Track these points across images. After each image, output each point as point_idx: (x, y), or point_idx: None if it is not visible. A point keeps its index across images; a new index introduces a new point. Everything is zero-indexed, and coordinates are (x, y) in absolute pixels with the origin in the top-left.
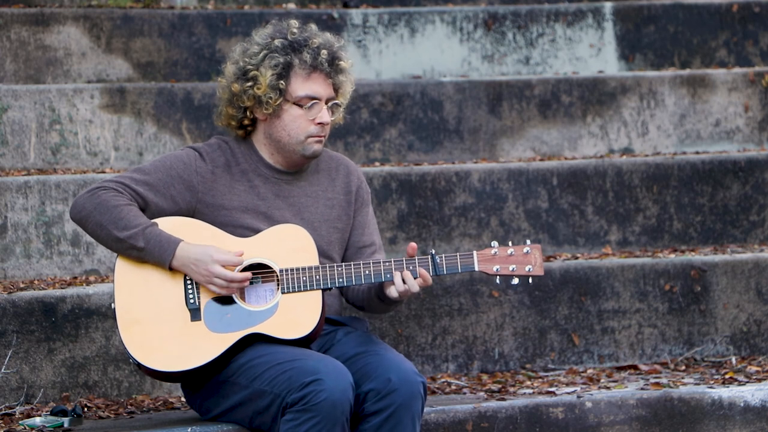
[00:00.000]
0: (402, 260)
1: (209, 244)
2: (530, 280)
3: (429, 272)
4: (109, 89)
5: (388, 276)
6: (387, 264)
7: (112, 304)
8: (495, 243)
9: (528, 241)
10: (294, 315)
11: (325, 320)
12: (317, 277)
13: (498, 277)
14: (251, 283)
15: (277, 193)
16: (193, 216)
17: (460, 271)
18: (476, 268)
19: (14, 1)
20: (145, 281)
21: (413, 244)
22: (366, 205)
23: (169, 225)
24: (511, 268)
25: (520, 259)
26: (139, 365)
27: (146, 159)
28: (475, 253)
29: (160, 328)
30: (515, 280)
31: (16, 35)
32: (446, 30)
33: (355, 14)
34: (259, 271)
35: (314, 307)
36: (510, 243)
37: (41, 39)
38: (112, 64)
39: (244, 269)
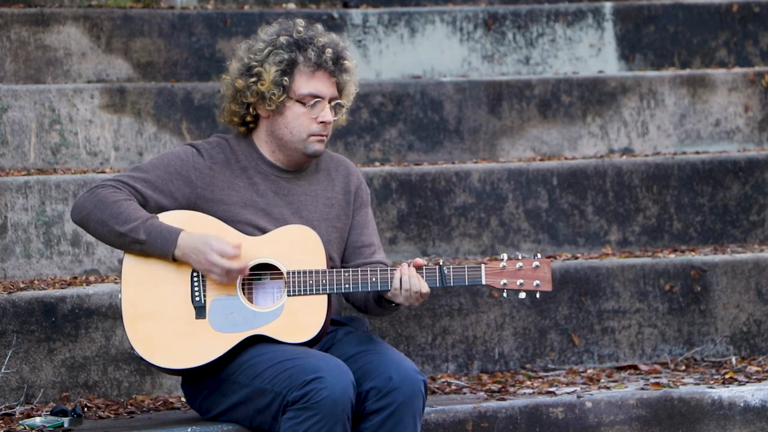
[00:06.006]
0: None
1: (209, 233)
2: (537, 295)
3: (436, 282)
4: (109, 89)
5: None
6: (394, 271)
7: (119, 295)
8: (504, 255)
9: (539, 255)
10: (298, 318)
11: None
12: (324, 281)
13: (505, 291)
14: (260, 279)
15: (276, 191)
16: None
17: (467, 284)
18: (483, 282)
19: (14, 1)
20: (152, 276)
21: (419, 261)
22: (365, 205)
23: (176, 219)
24: (519, 283)
25: (529, 273)
26: (142, 360)
27: (146, 159)
28: (483, 266)
29: (165, 324)
30: (522, 295)
31: (16, 35)
32: (446, 30)
33: (355, 14)
34: (267, 271)
35: (319, 311)
36: (519, 255)
37: (41, 39)
38: (112, 64)
39: (252, 269)
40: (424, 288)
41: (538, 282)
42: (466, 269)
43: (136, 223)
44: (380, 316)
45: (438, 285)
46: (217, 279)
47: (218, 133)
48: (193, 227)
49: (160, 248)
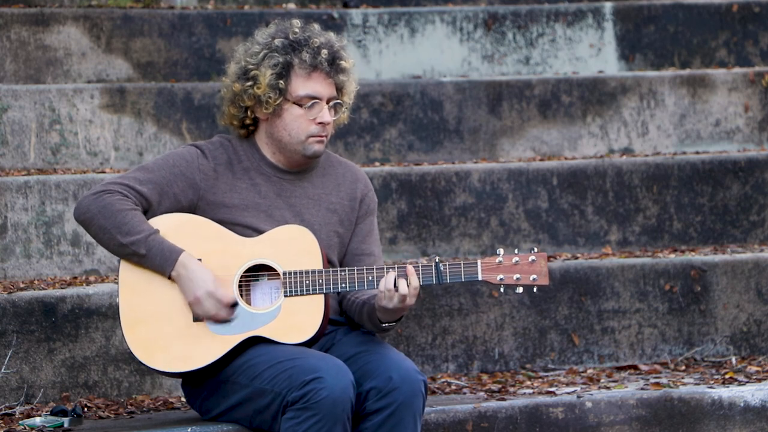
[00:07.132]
0: (405, 265)
1: (212, 275)
2: (534, 290)
3: (432, 279)
4: (109, 89)
5: None
6: (390, 270)
7: (117, 299)
8: (500, 250)
9: (534, 249)
10: (296, 319)
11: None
12: (320, 281)
13: (502, 286)
14: (257, 280)
15: (278, 193)
16: (194, 213)
17: (463, 280)
18: (480, 278)
19: (14, 1)
20: (149, 280)
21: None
22: (371, 214)
23: (173, 222)
24: (515, 278)
25: (525, 268)
26: (141, 364)
27: (146, 159)
28: (479, 261)
29: (163, 328)
30: (519, 290)
31: (16, 35)
32: (446, 30)
33: (355, 14)
34: (264, 272)
35: (316, 311)
36: (516, 250)
37: (41, 39)
38: (112, 64)
39: (249, 269)
40: (403, 290)
41: (534, 276)
42: (462, 265)
43: (138, 237)
44: (376, 333)
45: (435, 282)
46: (197, 313)
47: (218, 132)
48: (190, 232)
49: (158, 266)
